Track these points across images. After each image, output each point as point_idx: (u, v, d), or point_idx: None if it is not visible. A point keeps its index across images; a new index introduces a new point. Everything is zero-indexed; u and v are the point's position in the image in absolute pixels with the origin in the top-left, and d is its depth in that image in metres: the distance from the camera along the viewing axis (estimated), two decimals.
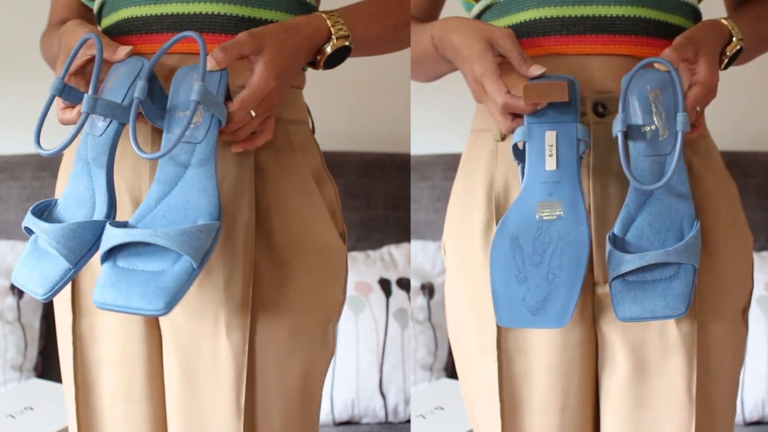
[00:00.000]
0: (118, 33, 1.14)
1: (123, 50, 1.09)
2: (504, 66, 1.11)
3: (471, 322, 1.19)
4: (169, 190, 1.03)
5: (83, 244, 1.02)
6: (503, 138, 1.17)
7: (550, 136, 1.09)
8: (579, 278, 1.04)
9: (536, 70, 1.09)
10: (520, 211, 1.09)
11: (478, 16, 1.21)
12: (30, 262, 1.03)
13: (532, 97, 1.07)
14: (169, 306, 0.96)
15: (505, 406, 1.16)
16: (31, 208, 1.05)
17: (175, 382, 1.13)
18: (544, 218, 1.08)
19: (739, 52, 1.15)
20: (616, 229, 1.08)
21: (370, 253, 2.22)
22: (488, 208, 1.17)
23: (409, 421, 2.11)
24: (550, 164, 1.09)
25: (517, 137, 1.10)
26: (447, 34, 1.15)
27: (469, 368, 1.21)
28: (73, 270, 1.01)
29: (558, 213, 1.07)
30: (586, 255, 1.05)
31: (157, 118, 1.06)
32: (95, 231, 1.02)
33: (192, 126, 1.04)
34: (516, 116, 1.11)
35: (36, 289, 1.01)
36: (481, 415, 1.20)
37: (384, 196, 2.29)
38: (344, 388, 2.09)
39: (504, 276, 1.07)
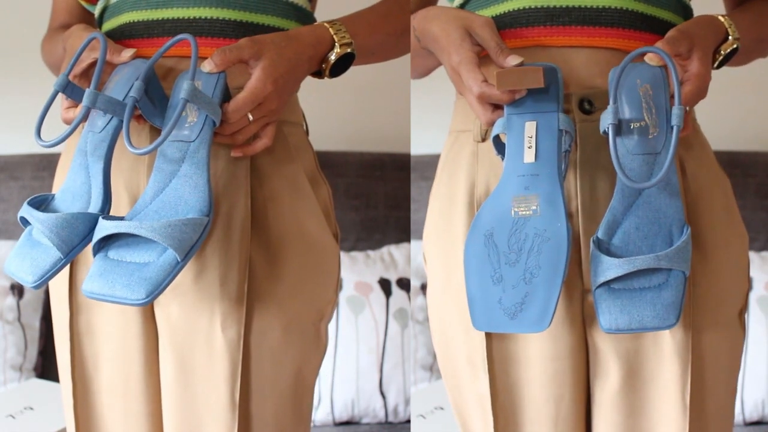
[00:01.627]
0: (119, 37, 1.15)
1: (127, 52, 1.10)
2: (485, 57, 1.08)
3: (459, 334, 1.15)
4: (163, 187, 1.05)
5: (76, 234, 1.03)
6: (484, 139, 1.14)
7: (530, 127, 1.04)
8: (558, 278, 0.98)
9: (513, 60, 1.04)
10: (494, 206, 1.03)
11: (462, 7, 1.16)
12: (22, 250, 1.04)
13: (505, 84, 1.03)
14: (150, 296, 0.98)
15: (499, 420, 1.12)
16: (27, 200, 1.07)
17: (171, 378, 1.13)
18: (520, 214, 1.02)
19: (734, 51, 1.11)
20: (601, 233, 1.02)
21: (370, 253, 2.22)
22: (470, 213, 1.13)
23: (409, 421, 2.11)
24: (529, 156, 1.03)
25: (497, 129, 1.06)
26: (426, 24, 1.11)
27: (459, 381, 1.17)
28: (64, 260, 1.02)
29: (534, 208, 1.01)
30: (565, 253, 0.99)
31: (156, 118, 1.07)
32: (89, 223, 1.04)
33: (187, 125, 1.06)
34: (497, 107, 1.07)
35: (26, 277, 1.02)
36: (475, 429, 1.17)
37: (384, 196, 2.29)
38: (344, 388, 2.09)
39: (478, 276, 1.01)
